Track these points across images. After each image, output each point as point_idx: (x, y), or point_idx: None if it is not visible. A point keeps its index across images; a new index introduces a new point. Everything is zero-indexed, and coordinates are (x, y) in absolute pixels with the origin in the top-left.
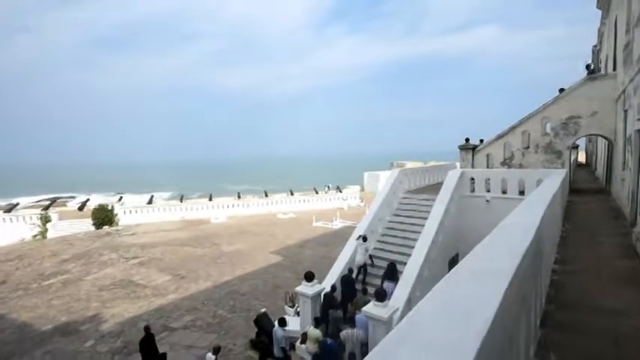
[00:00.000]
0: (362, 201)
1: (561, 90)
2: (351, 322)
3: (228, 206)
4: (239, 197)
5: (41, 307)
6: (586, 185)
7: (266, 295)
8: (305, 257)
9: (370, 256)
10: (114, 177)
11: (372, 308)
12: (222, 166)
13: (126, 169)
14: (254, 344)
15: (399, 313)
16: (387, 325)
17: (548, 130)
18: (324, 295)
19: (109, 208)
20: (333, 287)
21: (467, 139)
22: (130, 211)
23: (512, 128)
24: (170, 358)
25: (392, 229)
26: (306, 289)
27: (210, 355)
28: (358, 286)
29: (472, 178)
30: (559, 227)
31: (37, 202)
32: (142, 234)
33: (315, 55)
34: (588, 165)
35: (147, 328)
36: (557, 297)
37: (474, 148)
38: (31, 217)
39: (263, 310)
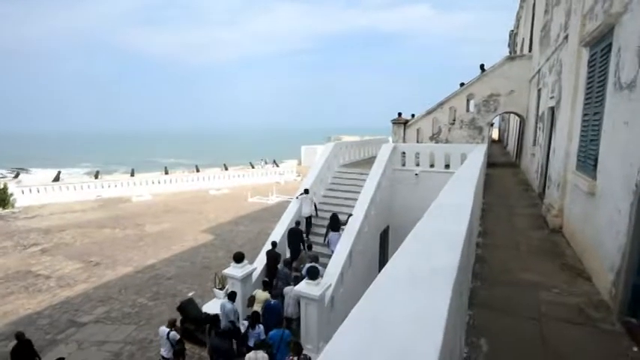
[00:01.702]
0: (298, 175)
1: (482, 66)
2: (295, 279)
3: (153, 182)
4: (166, 172)
5: None
6: (499, 159)
7: (194, 277)
8: (239, 235)
9: (314, 205)
10: (13, 149)
11: (304, 287)
12: (150, 138)
13: (30, 141)
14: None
15: (330, 291)
16: (319, 302)
17: (472, 107)
18: (267, 253)
19: (1, 186)
20: (274, 244)
21: (399, 114)
22: (31, 190)
23: (441, 104)
24: (79, 357)
25: (326, 203)
26: (235, 270)
27: (163, 327)
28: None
29: (403, 152)
30: (481, 200)
31: None
32: (47, 216)
33: (253, 21)
34: (500, 141)
35: (19, 335)
36: (481, 273)
37: (405, 123)
38: None
39: (190, 294)
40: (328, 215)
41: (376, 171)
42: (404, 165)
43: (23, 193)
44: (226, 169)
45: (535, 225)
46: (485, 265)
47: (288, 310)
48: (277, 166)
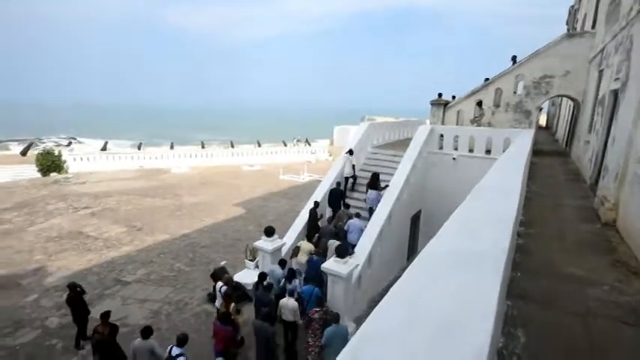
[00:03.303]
0: (330, 155)
1: (514, 58)
2: (335, 235)
3: (190, 156)
4: (203, 147)
5: None
6: (546, 147)
7: (226, 248)
8: (269, 210)
9: (353, 166)
10: (65, 119)
11: (332, 264)
12: (186, 113)
13: (79, 111)
14: (211, 298)
15: (358, 270)
16: (346, 281)
17: (520, 88)
18: (310, 211)
19: (56, 154)
20: (316, 203)
21: (439, 95)
22: (82, 158)
23: (486, 85)
24: (123, 312)
25: (359, 184)
26: (265, 244)
27: (220, 283)
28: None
29: (441, 135)
30: (525, 188)
31: None
32: (95, 183)
33: (290, 1)
34: (548, 128)
35: (70, 286)
36: (522, 263)
37: (445, 104)
38: None
39: (222, 263)
40: (369, 176)
41: (411, 153)
42: (441, 148)
43: (75, 160)
44: (259, 145)
45: (584, 217)
46: (527, 256)
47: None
48: (309, 145)
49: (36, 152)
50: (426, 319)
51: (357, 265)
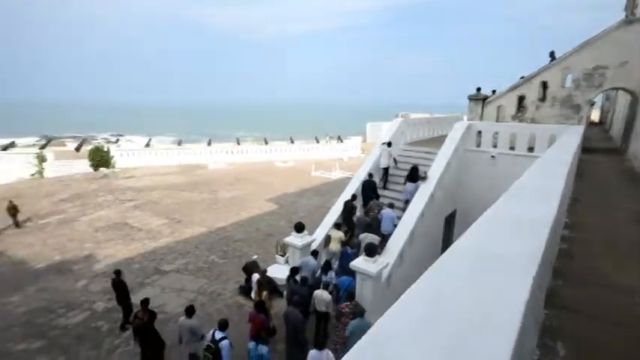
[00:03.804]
0: (363, 152)
1: (552, 54)
2: (366, 226)
3: (226, 152)
4: (238, 143)
5: (36, 246)
6: (599, 144)
7: (259, 242)
8: (300, 207)
9: (394, 159)
10: (114, 118)
11: (361, 263)
12: (222, 110)
13: (125, 111)
14: (243, 290)
15: (388, 269)
16: (376, 280)
17: (568, 81)
18: (345, 203)
19: (105, 150)
20: (354, 196)
21: (478, 89)
22: (128, 154)
23: (529, 78)
24: (161, 300)
25: (389, 181)
26: (295, 239)
27: (256, 274)
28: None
29: (479, 132)
30: (571, 188)
31: (37, 141)
32: (139, 177)
33: None
34: (602, 123)
35: (117, 272)
36: (565, 270)
37: (484, 99)
38: (27, 156)
39: (254, 257)
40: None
41: (446, 150)
42: (479, 146)
43: (122, 156)
44: (292, 142)
45: (638, 221)
46: (571, 262)
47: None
48: (341, 142)
49: (88, 148)
50: (442, 323)
51: (387, 264)
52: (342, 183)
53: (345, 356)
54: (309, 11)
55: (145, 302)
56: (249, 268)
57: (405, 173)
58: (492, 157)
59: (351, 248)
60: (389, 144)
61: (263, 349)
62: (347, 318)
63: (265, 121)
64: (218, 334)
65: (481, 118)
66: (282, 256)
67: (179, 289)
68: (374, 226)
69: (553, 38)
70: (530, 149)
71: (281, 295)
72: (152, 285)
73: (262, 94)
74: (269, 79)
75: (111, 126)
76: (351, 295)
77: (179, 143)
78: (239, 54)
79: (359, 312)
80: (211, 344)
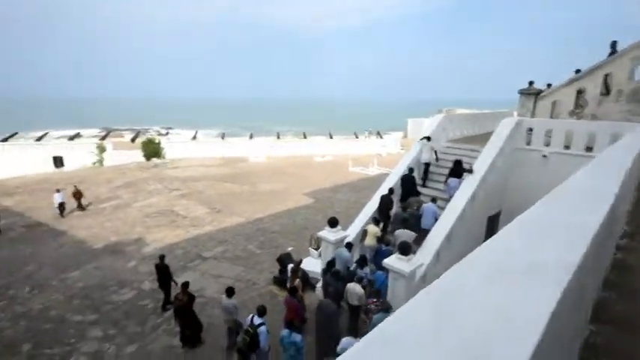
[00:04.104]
0: (402, 148)
1: (613, 44)
2: (403, 221)
3: (266, 146)
4: (278, 137)
5: (95, 228)
6: None
7: (294, 235)
8: (336, 201)
9: (435, 153)
10: (166, 113)
11: (394, 261)
12: (266, 104)
13: (177, 106)
14: (276, 280)
15: (423, 269)
16: (409, 280)
17: (638, 73)
18: (381, 197)
19: (156, 142)
20: (391, 190)
21: (530, 83)
22: (176, 146)
23: (591, 70)
24: (200, 284)
25: (430, 180)
26: (328, 234)
27: (291, 265)
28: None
29: (530, 129)
30: (633, 194)
31: (99, 132)
32: (185, 168)
33: None
34: None
35: (161, 256)
36: (619, 282)
37: (537, 94)
38: (90, 146)
39: (289, 249)
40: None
41: (491, 148)
42: (529, 144)
43: (171, 147)
44: (331, 137)
45: None
46: (627, 274)
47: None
48: (381, 137)
49: (141, 140)
50: (452, 331)
51: (422, 264)
52: (380, 179)
53: (350, 350)
54: (358, 5)
55: (185, 285)
56: (284, 259)
57: (447, 171)
58: (544, 156)
59: (385, 245)
60: (428, 138)
61: (297, 336)
62: (373, 314)
63: (307, 117)
64: (257, 320)
65: (533, 114)
66: (316, 249)
67: (217, 275)
68: (411, 222)
69: (612, 31)
70: (589, 149)
71: (313, 287)
72: (193, 269)
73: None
74: (318, 76)
75: (163, 119)
76: (377, 292)
77: (223, 137)
78: (296, 51)
79: (385, 307)
80: (250, 329)
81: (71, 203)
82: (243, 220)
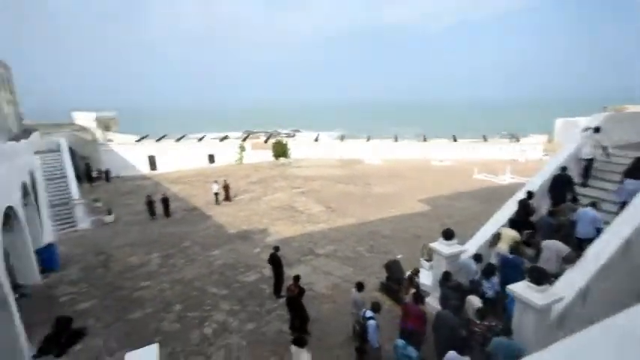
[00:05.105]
0: (546, 154)
1: None
2: (555, 232)
3: (383, 148)
4: (396, 140)
5: (232, 215)
6: None
7: (405, 242)
8: (455, 211)
9: (603, 148)
10: (297, 115)
11: (522, 289)
12: (386, 106)
13: (304, 109)
14: (383, 287)
15: (562, 306)
16: (542, 314)
17: None
18: (519, 202)
19: (284, 142)
20: (530, 194)
21: None
22: (299, 147)
23: None
24: (311, 279)
25: (584, 195)
26: (442, 247)
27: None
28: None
29: None
30: None
31: (242, 135)
32: (306, 168)
33: None
34: None
35: (275, 248)
36: None
37: None
38: (234, 147)
39: (399, 256)
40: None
41: None
42: None
43: (295, 148)
44: (455, 140)
45: None
46: None
47: (547, 267)
48: (517, 141)
49: (273, 141)
50: None
51: (561, 298)
52: (512, 189)
53: None
54: None
55: (297, 278)
56: (391, 267)
57: (621, 169)
58: None
59: (518, 254)
60: (596, 129)
61: (412, 351)
62: (480, 337)
63: (429, 119)
64: (368, 313)
65: None
66: (428, 261)
67: (327, 272)
68: (562, 233)
69: None
70: None
71: (422, 301)
72: (306, 263)
73: (426, 90)
74: (435, 76)
75: (292, 123)
76: (483, 312)
77: (342, 139)
78: (403, 50)
79: (504, 329)
80: (361, 320)
81: (221, 193)
82: (355, 222)
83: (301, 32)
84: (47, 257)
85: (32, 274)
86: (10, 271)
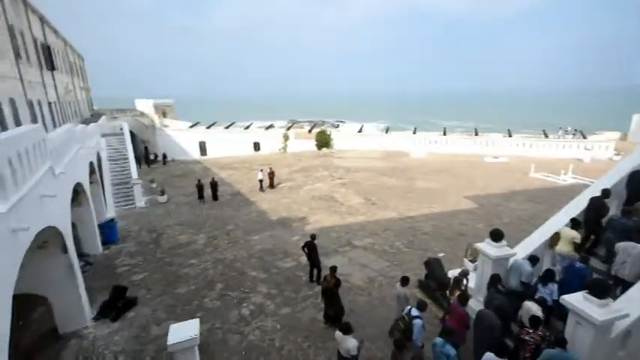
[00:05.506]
0: (618, 153)
1: None
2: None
3: (430, 142)
4: (444, 134)
5: (274, 202)
6: None
7: (447, 240)
8: (506, 211)
9: None
10: (342, 105)
11: (579, 301)
12: (437, 98)
13: (353, 100)
14: (420, 284)
15: (627, 323)
16: (601, 331)
17: None
18: (590, 200)
19: (327, 133)
20: (606, 193)
21: None
22: (342, 138)
23: None
24: (347, 270)
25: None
26: (489, 248)
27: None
28: None
29: None
30: None
31: (286, 124)
32: (349, 159)
33: None
34: None
35: (312, 236)
36: None
37: None
38: (278, 135)
39: (440, 255)
40: None
41: None
42: None
43: (338, 139)
44: (510, 135)
45: None
46: None
47: (621, 271)
48: (584, 137)
49: (316, 131)
50: None
51: (627, 315)
52: (574, 191)
53: None
54: None
55: (334, 269)
56: (432, 265)
57: None
58: None
59: (581, 261)
60: None
61: (451, 350)
62: (530, 347)
63: (484, 112)
64: (414, 312)
65: None
66: (472, 262)
67: (363, 264)
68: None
69: None
70: None
71: (466, 303)
72: (342, 254)
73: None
74: (492, 65)
75: (338, 113)
76: (537, 320)
77: (386, 130)
78: (458, 40)
79: (557, 341)
80: (405, 317)
81: (265, 180)
82: (395, 216)
83: (356, 18)
84: (108, 231)
85: (95, 245)
86: (77, 242)
